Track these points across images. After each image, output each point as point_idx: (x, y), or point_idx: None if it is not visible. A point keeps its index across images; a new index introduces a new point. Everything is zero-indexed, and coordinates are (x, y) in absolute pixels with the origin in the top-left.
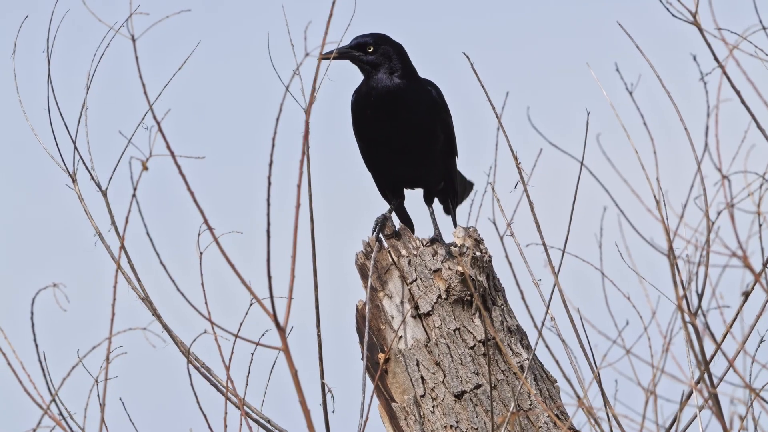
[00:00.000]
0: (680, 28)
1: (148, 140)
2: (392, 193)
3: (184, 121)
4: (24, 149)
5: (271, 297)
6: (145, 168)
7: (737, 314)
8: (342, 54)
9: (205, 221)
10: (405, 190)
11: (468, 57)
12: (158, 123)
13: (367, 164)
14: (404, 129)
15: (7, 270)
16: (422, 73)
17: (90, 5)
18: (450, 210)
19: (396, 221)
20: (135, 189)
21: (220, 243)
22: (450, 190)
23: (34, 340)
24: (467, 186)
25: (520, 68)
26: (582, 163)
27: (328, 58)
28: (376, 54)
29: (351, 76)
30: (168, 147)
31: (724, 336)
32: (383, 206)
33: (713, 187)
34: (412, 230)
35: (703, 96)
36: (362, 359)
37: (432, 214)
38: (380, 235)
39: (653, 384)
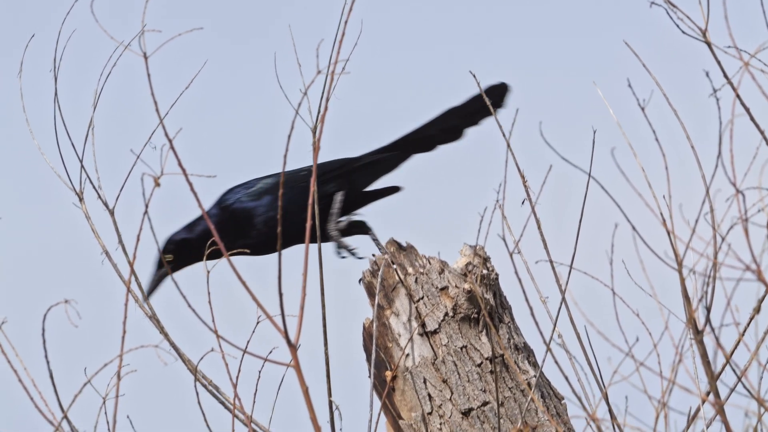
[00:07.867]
0: (692, 44)
1: (158, 159)
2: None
3: (193, 140)
4: (31, 168)
5: (282, 314)
6: (158, 184)
7: (747, 326)
8: (153, 292)
9: (217, 238)
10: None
11: (474, 76)
12: (170, 141)
13: None
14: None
15: (18, 287)
16: (427, 97)
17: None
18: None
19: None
20: (147, 205)
21: (230, 259)
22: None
23: (46, 356)
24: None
25: (530, 85)
26: (590, 175)
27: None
28: (176, 255)
29: (361, 92)
30: (180, 165)
31: (734, 348)
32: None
33: (726, 202)
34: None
35: (716, 111)
36: (369, 377)
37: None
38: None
39: (664, 396)
